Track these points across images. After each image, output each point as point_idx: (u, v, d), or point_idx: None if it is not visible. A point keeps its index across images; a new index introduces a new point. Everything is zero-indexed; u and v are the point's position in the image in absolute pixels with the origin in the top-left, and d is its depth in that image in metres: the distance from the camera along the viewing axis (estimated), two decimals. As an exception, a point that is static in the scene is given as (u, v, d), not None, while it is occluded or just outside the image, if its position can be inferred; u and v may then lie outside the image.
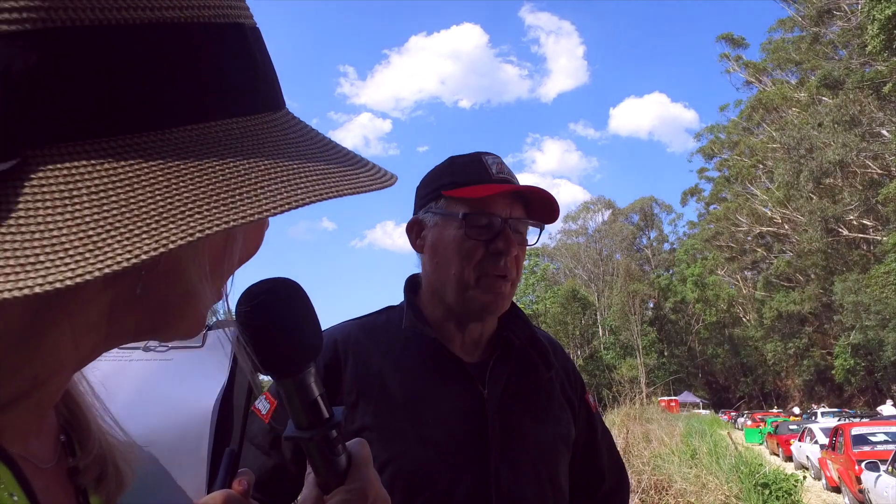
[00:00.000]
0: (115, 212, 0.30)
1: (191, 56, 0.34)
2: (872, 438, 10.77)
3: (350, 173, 0.38)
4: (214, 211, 0.32)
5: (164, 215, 0.31)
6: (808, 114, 34.56)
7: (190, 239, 0.30)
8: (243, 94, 0.37)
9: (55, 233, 0.29)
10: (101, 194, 0.30)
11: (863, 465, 8.84)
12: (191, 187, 0.32)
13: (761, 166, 41.90)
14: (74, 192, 0.30)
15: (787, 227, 40.25)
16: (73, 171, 0.30)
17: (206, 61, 0.35)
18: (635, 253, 60.21)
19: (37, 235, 0.28)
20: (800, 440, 15.62)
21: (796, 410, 32.72)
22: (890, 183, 27.60)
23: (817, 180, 31.87)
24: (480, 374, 1.01)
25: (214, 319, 0.92)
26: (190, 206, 0.31)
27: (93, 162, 0.31)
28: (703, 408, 38.73)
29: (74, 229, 0.29)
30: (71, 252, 0.29)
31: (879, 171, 31.27)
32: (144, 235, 0.30)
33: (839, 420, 17.73)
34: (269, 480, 0.96)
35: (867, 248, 34.93)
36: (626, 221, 61.20)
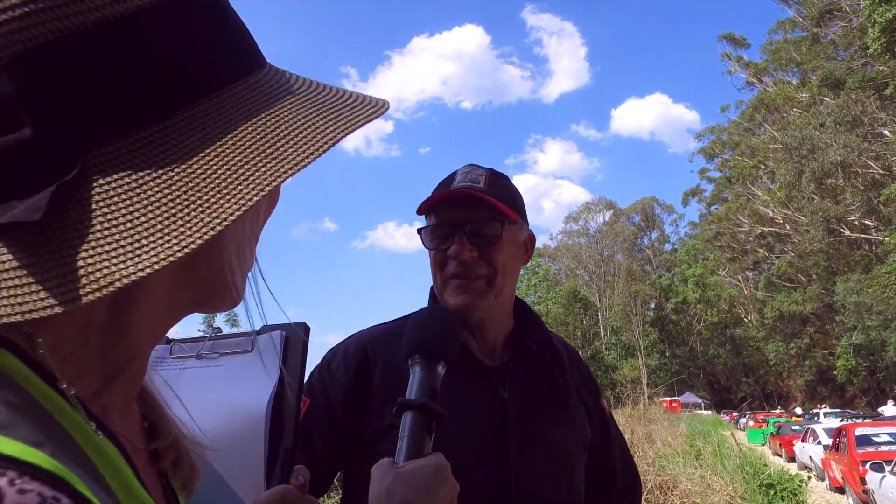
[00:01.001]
0: (172, 195, 0.33)
1: (192, 31, 0.36)
2: (876, 439, 10.77)
3: (353, 110, 0.41)
4: (259, 175, 0.35)
5: (218, 190, 0.34)
6: (809, 114, 34.55)
7: (249, 205, 0.34)
8: (242, 56, 0.39)
9: (138, 222, 0.33)
10: (155, 182, 0.34)
11: (867, 465, 8.86)
12: (231, 156, 0.35)
13: (763, 167, 41.91)
14: (136, 183, 0.33)
15: (788, 227, 40.26)
16: (127, 166, 0.33)
17: (200, 34, 0.37)
18: (636, 253, 60.21)
19: (123, 229, 0.32)
20: (803, 441, 15.62)
21: (798, 411, 32.72)
22: (892, 183, 27.61)
23: (819, 181, 31.89)
24: (501, 377, 1.05)
25: (261, 325, 0.97)
26: (237, 176, 0.35)
27: (138, 154, 0.34)
28: (705, 408, 38.73)
29: (151, 216, 0.33)
30: (164, 233, 0.33)
31: (881, 172, 31.28)
32: (209, 211, 0.34)
33: (841, 420, 17.73)
34: None
35: (869, 248, 34.94)
36: (628, 222, 61.20)
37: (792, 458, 16.49)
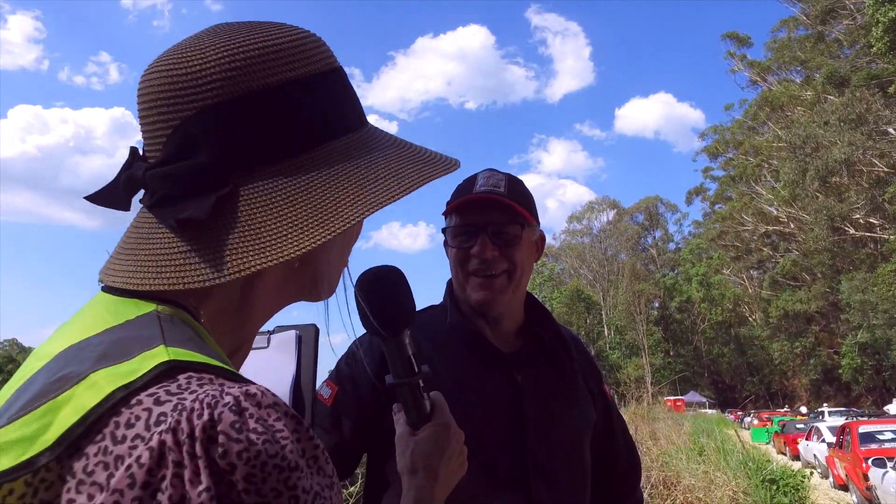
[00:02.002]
0: (303, 208, 0.46)
1: (324, 95, 0.50)
2: (880, 436, 10.76)
3: (431, 163, 0.54)
4: (358, 205, 0.47)
5: (327, 212, 0.46)
6: (813, 112, 34.43)
7: (350, 224, 0.46)
8: (349, 117, 0.53)
9: (268, 227, 0.45)
10: (283, 201, 0.46)
11: (870, 462, 8.88)
12: (341, 188, 0.48)
13: (766, 165, 41.79)
14: (270, 201, 0.46)
15: (792, 226, 40.13)
16: (264, 188, 0.47)
17: (326, 98, 0.51)
18: (640, 252, 60.08)
19: (257, 231, 0.45)
20: (807, 439, 15.62)
21: (803, 410, 32.61)
22: (896, 181, 27.47)
23: (823, 179, 31.77)
24: (515, 362, 1.14)
25: (275, 326, 1.09)
26: (343, 201, 0.47)
27: (277, 177, 0.47)
28: (710, 407, 38.62)
29: (277, 224, 0.45)
30: (289, 236, 0.45)
31: (886, 170, 31.16)
32: (325, 222, 0.46)
33: (846, 419, 17.69)
34: (332, 455, 1.09)
35: (874, 246, 34.79)
36: (631, 221, 61.08)
37: (796, 457, 16.46)
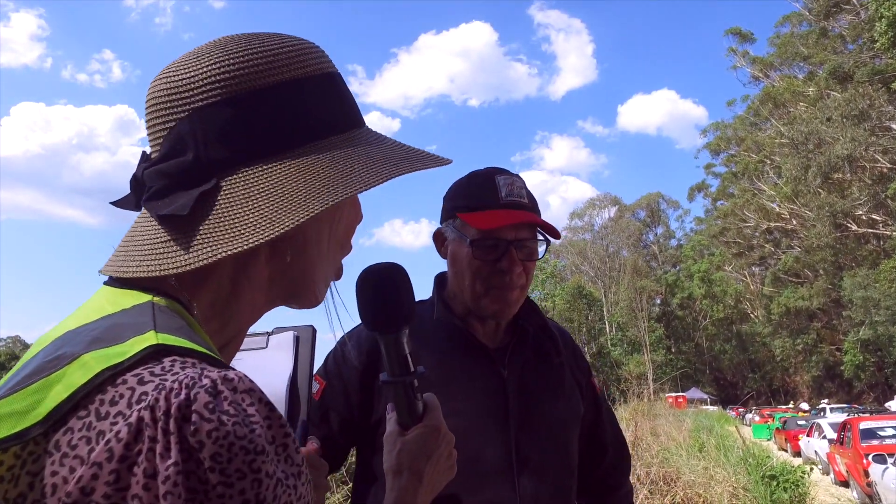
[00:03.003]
0: (276, 199, 0.49)
1: (303, 98, 0.53)
2: (881, 433, 10.77)
3: (415, 158, 0.56)
4: (327, 193, 0.50)
5: (308, 195, 0.49)
6: (816, 108, 34.30)
7: (315, 211, 0.48)
8: (339, 119, 0.55)
9: (244, 217, 0.48)
10: (262, 194, 0.49)
11: (870, 458, 8.89)
12: (315, 179, 0.50)
13: (769, 162, 41.66)
14: (250, 194, 0.49)
15: (795, 222, 40.04)
16: (246, 183, 0.49)
17: (314, 100, 0.53)
18: (642, 249, 60.01)
19: (233, 221, 0.48)
20: (808, 435, 15.63)
21: (805, 406, 32.59)
22: (899, 177, 27.38)
23: (826, 175, 31.66)
24: (501, 357, 1.15)
25: (273, 328, 1.12)
26: (314, 192, 0.49)
27: (255, 177, 0.50)
28: (711, 404, 38.62)
29: (256, 212, 0.48)
30: (257, 225, 0.48)
31: (889, 166, 31.05)
32: (293, 211, 0.48)
33: (848, 416, 17.69)
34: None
35: (877, 243, 34.70)
36: (633, 218, 60.99)
37: (797, 453, 16.48)
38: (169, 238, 0.48)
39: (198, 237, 0.48)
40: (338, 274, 0.60)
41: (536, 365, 1.17)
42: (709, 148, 52.31)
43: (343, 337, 1.17)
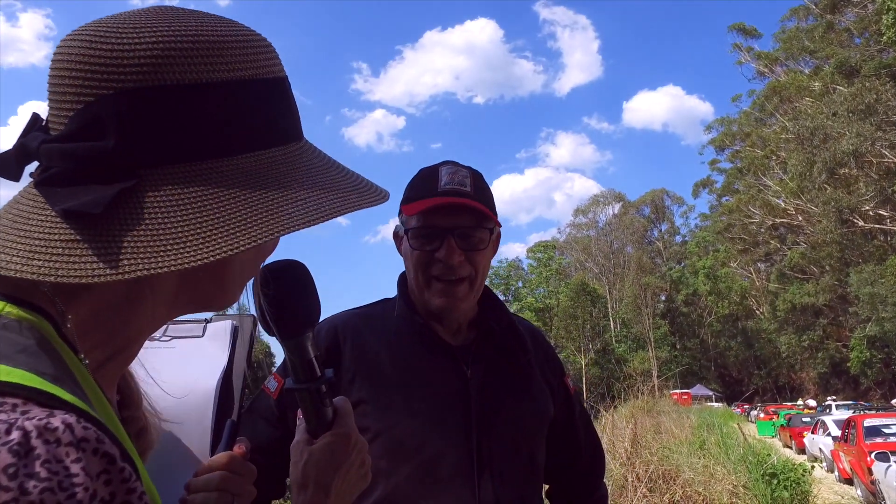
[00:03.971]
0: (212, 217, 0.43)
1: (250, 102, 0.47)
2: (886, 430, 10.69)
3: (357, 192, 0.51)
4: (270, 223, 0.44)
5: (236, 226, 0.43)
6: (822, 103, 34.00)
7: (256, 243, 0.43)
8: (283, 130, 0.49)
9: (170, 231, 0.41)
10: (192, 205, 0.43)
11: (873, 455, 8.80)
12: (256, 202, 0.45)
13: (774, 157, 41.37)
14: (177, 202, 0.42)
15: (800, 218, 39.77)
16: (174, 187, 0.43)
17: (261, 106, 0.47)
18: (646, 246, 59.81)
19: (157, 233, 0.41)
20: (812, 432, 15.54)
21: (812, 403, 32.40)
22: (906, 172, 27.13)
23: (831, 171, 31.39)
24: (464, 355, 1.10)
25: (213, 315, 1.05)
26: (255, 218, 0.44)
27: (190, 180, 0.43)
28: (716, 401, 38.51)
29: (181, 229, 0.42)
30: (189, 244, 0.41)
31: (896, 161, 30.77)
32: (232, 235, 0.43)
33: (853, 413, 17.58)
34: (276, 448, 1.04)
35: (884, 238, 34.42)
36: (638, 214, 60.77)
37: (802, 450, 16.40)
38: (73, 238, 0.40)
39: (116, 245, 0.40)
40: (249, 278, 0.55)
41: (502, 364, 1.13)
42: (714, 144, 52.03)
43: None
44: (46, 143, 0.43)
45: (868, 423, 11.01)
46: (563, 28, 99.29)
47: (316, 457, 0.65)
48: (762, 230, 44.48)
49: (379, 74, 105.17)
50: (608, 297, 53.82)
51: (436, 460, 1.01)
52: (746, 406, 36.66)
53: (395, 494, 1.01)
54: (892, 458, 8.22)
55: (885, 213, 32.95)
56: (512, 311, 1.34)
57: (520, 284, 59.86)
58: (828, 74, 34.84)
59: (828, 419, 14.86)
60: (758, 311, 49.81)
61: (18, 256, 0.40)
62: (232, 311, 1.15)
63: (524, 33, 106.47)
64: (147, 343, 1.03)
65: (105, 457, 0.35)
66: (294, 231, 0.45)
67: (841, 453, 11.40)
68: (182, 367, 0.97)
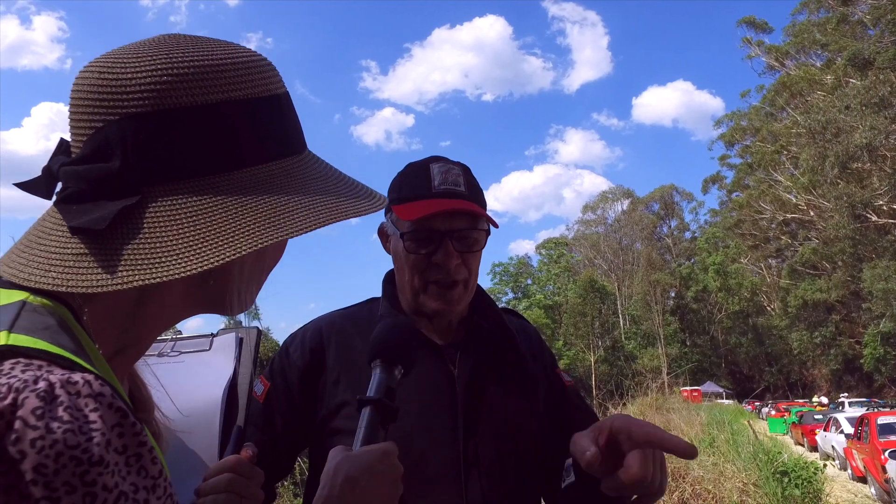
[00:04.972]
0: (203, 229, 0.46)
1: (251, 121, 0.51)
2: (899, 428, 10.56)
3: (353, 199, 0.54)
4: (262, 231, 0.48)
5: (236, 233, 0.47)
6: (834, 97, 33.53)
7: (243, 252, 0.46)
8: (280, 144, 0.53)
9: (165, 244, 0.45)
10: (187, 219, 0.47)
11: (887, 454, 8.70)
12: (246, 213, 0.48)
13: (785, 152, 40.89)
14: (174, 216, 0.46)
15: (812, 213, 39.31)
16: (172, 203, 0.47)
17: (257, 124, 0.51)
18: (656, 242, 59.41)
19: (154, 246, 0.45)
20: (825, 430, 15.38)
21: (824, 400, 32.03)
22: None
23: (844, 165, 30.96)
24: (452, 354, 1.09)
25: (220, 327, 1.09)
26: (250, 227, 0.47)
27: (187, 195, 0.47)
28: (727, 398, 38.21)
29: (174, 242, 0.46)
30: (181, 255, 0.45)
31: (910, 155, 30.28)
32: (219, 246, 0.46)
33: (867, 410, 17.38)
34: (263, 452, 1.06)
35: (897, 233, 33.93)
36: (647, 210, 60.37)
37: (814, 448, 16.24)
38: (82, 252, 0.45)
39: (117, 258, 0.45)
40: (259, 287, 0.58)
41: (490, 363, 1.11)
42: (723, 139, 51.49)
43: (289, 336, 1.13)
44: (65, 165, 0.48)
45: (882, 420, 10.87)
46: (573, 24, 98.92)
47: (353, 456, 0.70)
48: (773, 226, 44.03)
49: (388, 72, 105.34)
50: (617, 293, 53.58)
51: (423, 460, 1.00)
52: (757, 403, 36.36)
53: None
54: (906, 457, 8.11)
55: (898, 208, 32.45)
56: (521, 307, 1.31)
57: (529, 281, 60.10)
58: (840, 67, 34.34)
59: (840, 416, 14.72)
60: (769, 308, 49.36)
61: (38, 269, 0.45)
62: (245, 322, 1.19)
63: (533, 30, 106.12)
64: (158, 360, 1.04)
65: (119, 411, 0.38)
66: (281, 240, 0.48)
67: (854, 451, 11.29)
68: (191, 379, 1.01)
